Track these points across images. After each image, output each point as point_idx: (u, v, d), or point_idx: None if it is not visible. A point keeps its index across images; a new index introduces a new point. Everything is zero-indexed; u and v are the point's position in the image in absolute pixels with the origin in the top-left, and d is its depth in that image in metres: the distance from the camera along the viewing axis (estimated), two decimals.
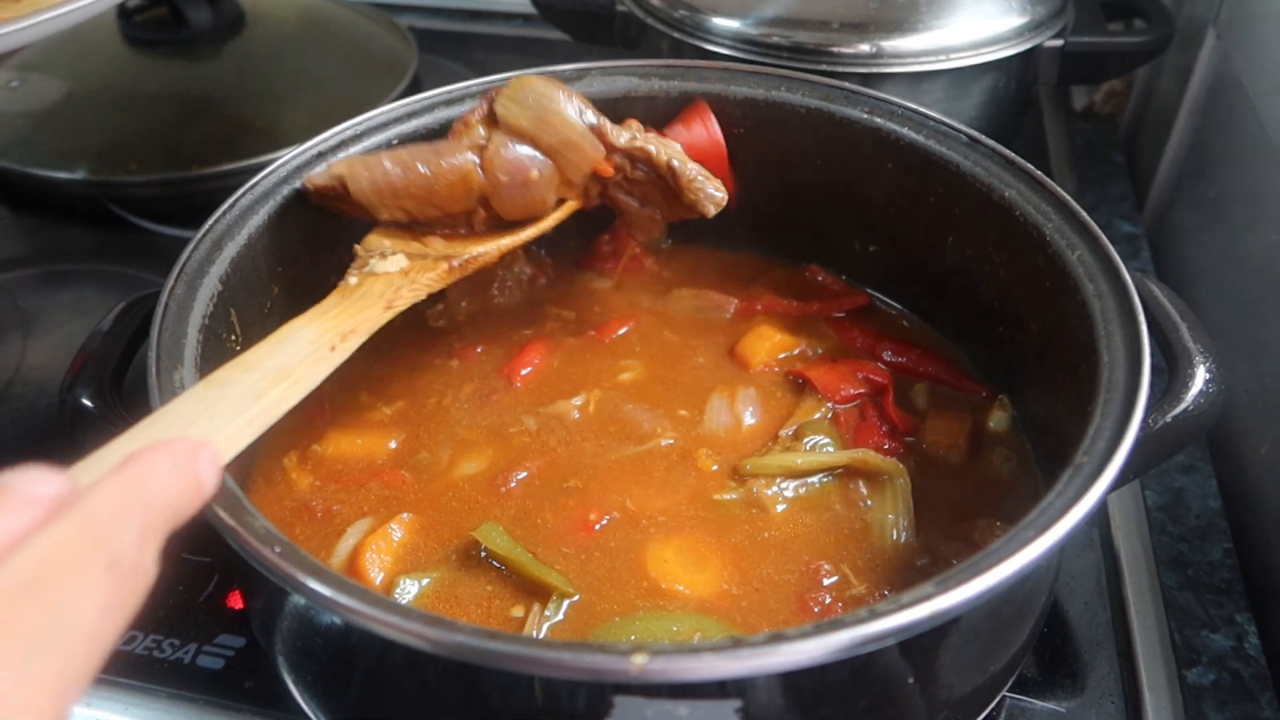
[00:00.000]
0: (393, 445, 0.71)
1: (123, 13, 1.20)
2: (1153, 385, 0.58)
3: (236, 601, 0.70)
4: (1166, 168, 1.11)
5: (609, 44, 1.10)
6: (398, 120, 0.77)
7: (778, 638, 0.41)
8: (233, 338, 0.65)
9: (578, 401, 0.74)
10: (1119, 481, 0.59)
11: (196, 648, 0.67)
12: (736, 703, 0.45)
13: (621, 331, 0.81)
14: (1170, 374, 0.60)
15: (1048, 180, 0.68)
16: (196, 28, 1.20)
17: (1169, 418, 0.59)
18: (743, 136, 0.81)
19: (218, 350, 0.62)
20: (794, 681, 0.46)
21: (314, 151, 0.72)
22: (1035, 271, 0.67)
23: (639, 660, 0.40)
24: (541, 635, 0.58)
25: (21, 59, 1.22)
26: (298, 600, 0.52)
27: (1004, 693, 0.64)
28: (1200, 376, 0.60)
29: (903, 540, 0.64)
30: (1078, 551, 0.74)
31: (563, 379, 0.77)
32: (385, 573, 0.63)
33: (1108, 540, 0.75)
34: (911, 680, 0.49)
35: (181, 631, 0.68)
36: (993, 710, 0.64)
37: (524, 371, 0.77)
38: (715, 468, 0.69)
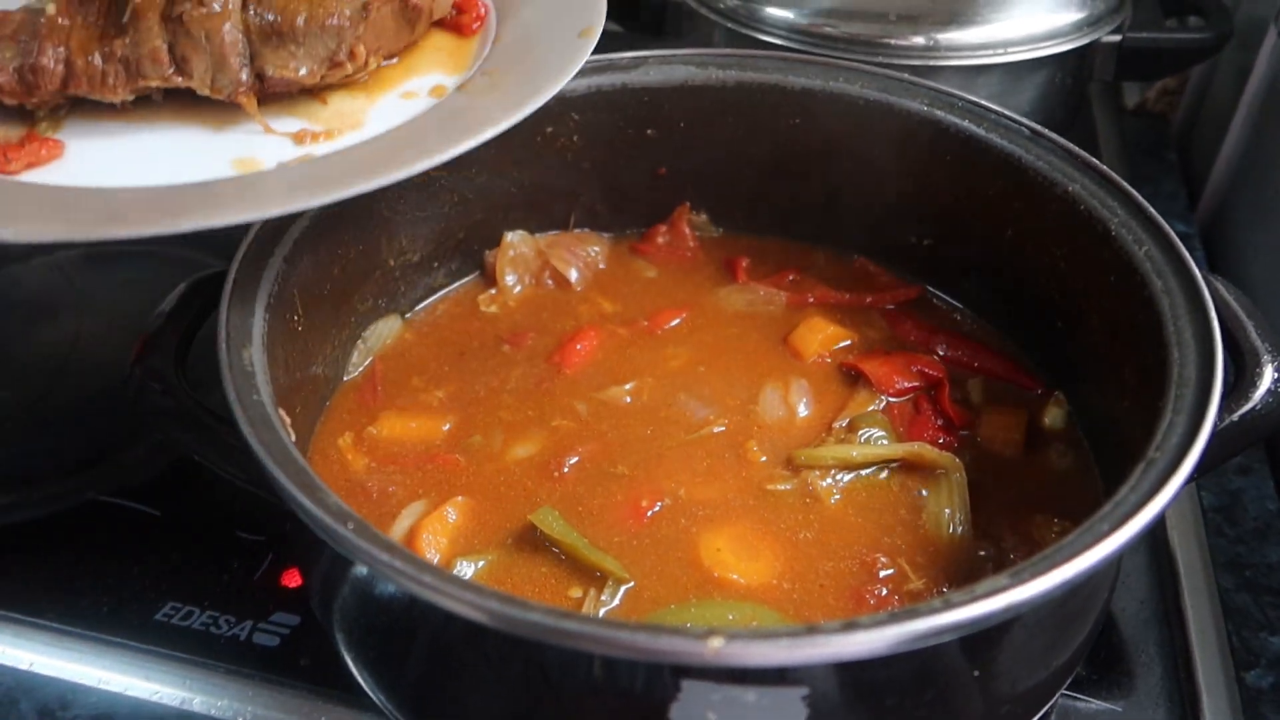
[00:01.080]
0: (446, 428, 0.72)
1: None
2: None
3: (291, 579, 0.70)
4: (1221, 166, 1.09)
5: (659, 34, 1.10)
6: None
7: (852, 625, 0.41)
8: (296, 318, 0.65)
9: (629, 387, 0.74)
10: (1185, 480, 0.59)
11: (252, 625, 0.68)
12: (804, 690, 0.45)
13: (674, 323, 0.80)
14: (1237, 372, 0.60)
15: (1113, 175, 0.67)
16: None
17: (1236, 416, 0.58)
18: (799, 126, 0.80)
19: (283, 331, 0.63)
20: (861, 671, 0.46)
21: None
22: (1099, 267, 0.66)
23: (715, 644, 0.40)
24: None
25: None
26: (359, 575, 0.53)
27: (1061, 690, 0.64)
28: (1269, 375, 0.59)
29: (959, 534, 0.64)
30: (1133, 551, 0.73)
31: (614, 366, 0.77)
32: (441, 554, 0.63)
33: (1163, 540, 0.74)
34: (976, 674, 0.49)
35: (237, 608, 0.69)
36: (1048, 708, 0.64)
37: (575, 359, 0.77)
38: (765, 459, 0.69)
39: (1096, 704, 0.64)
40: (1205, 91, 1.19)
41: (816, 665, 0.44)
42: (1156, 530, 0.75)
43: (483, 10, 0.77)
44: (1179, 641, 0.68)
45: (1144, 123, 1.22)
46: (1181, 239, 1.03)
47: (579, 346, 0.78)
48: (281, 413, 0.55)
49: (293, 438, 0.54)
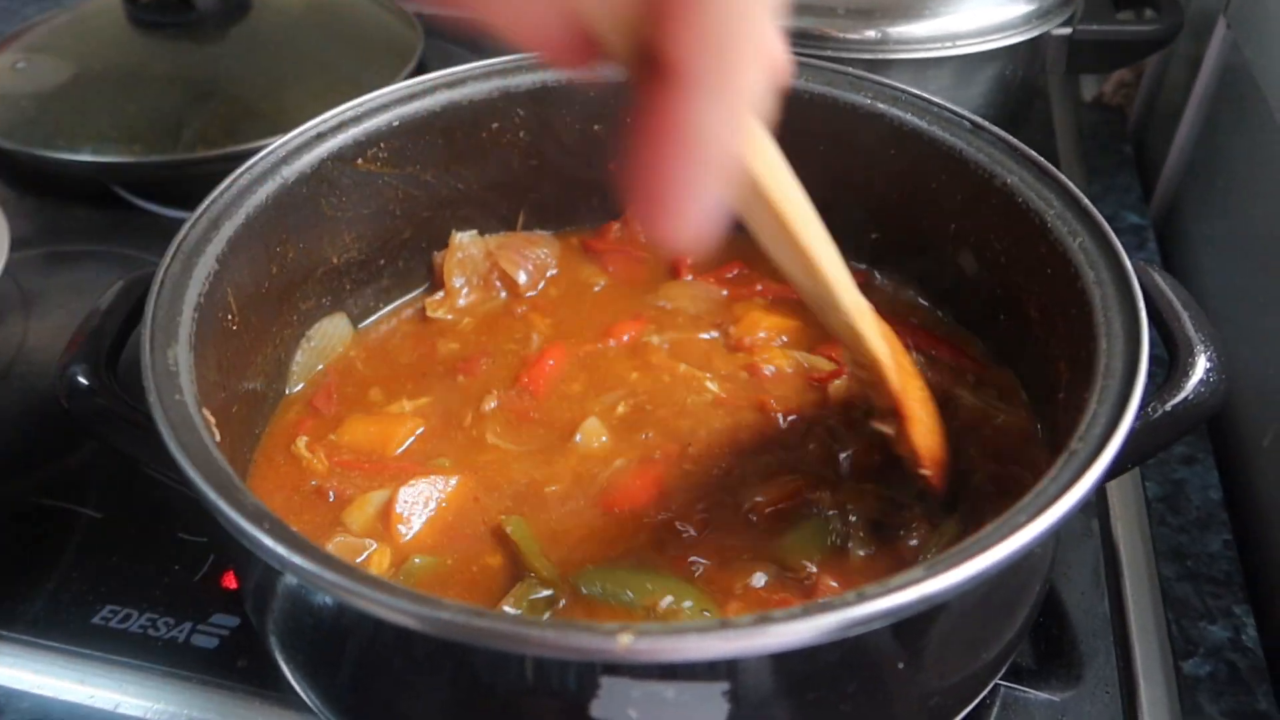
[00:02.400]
0: (419, 431, 0.71)
1: None
2: (1154, 374, 0.58)
3: (231, 581, 0.70)
4: (1174, 158, 1.10)
5: None
6: (399, 101, 0.76)
7: (765, 619, 0.41)
8: (230, 317, 0.64)
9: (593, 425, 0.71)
10: (1116, 470, 0.59)
11: (191, 626, 0.67)
12: (724, 685, 0.45)
13: (625, 338, 0.78)
14: (1171, 362, 0.60)
15: (1050, 167, 0.67)
16: (202, 10, 1.19)
17: (1168, 406, 0.58)
18: None
19: (215, 329, 0.62)
20: (782, 664, 0.46)
21: (313, 133, 0.72)
22: (1037, 259, 0.66)
23: (625, 640, 0.40)
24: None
25: (28, 40, 1.22)
26: (289, 580, 0.52)
27: (998, 681, 0.64)
28: (1201, 365, 0.59)
29: None
30: (1076, 541, 0.73)
31: (585, 386, 0.74)
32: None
33: (1107, 531, 0.75)
34: (901, 665, 0.49)
35: (176, 610, 0.68)
36: (988, 699, 0.64)
37: (540, 384, 0.74)
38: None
39: (1035, 694, 0.64)
40: (1160, 84, 1.20)
41: (729, 660, 0.43)
42: (1101, 520, 0.75)
43: None
44: (1119, 631, 0.68)
45: (1101, 115, 1.23)
46: (1136, 231, 1.05)
47: (548, 362, 0.76)
48: (206, 413, 0.54)
49: (217, 438, 0.53)
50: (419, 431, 0.71)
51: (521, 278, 0.83)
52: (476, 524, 0.64)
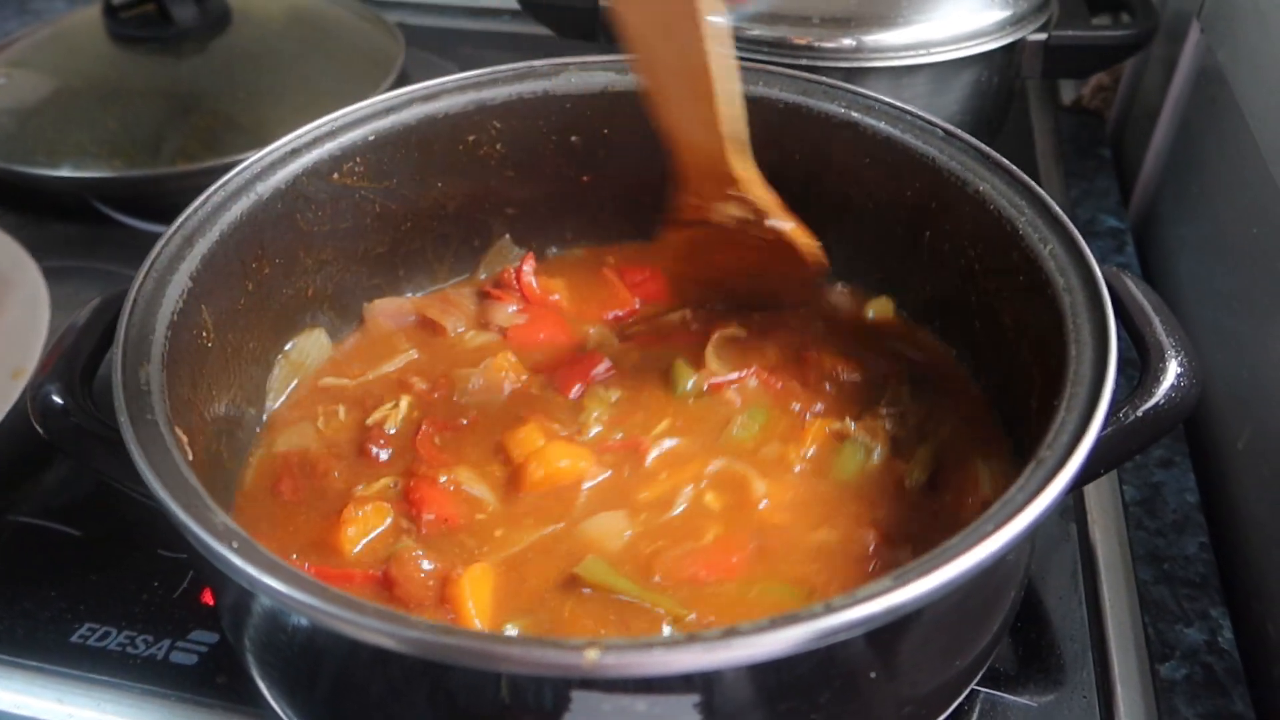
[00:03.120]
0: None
1: (108, 9, 1.19)
2: (1126, 379, 0.58)
3: (210, 597, 0.70)
4: (1151, 162, 1.10)
5: (593, 39, 1.09)
6: (375, 115, 0.77)
7: (732, 632, 0.41)
8: (204, 334, 0.65)
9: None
10: (1089, 474, 0.60)
11: (170, 643, 0.67)
12: (695, 697, 0.45)
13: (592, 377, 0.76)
14: (1142, 368, 0.60)
15: (1021, 174, 0.68)
16: (182, 24, 1.19)
17: (1140, 412, 0.58)
18: None
19: (189, 347, 0.62)
20: (753, 676, 0.46)
21: (289, 148, 0.72)
22: (1009, 267, 0.66)
23: (591, 655, 0.40)
24: None
25: (8, 56, 1.22)
26: (262, 599, 0.52)
27: (975, 687, 0.64)
28: (1172, 370, 0.59)
29: None
30: (1054, 545, 0.74)
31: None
32: None
33: (1085, 535, 0.75)
34: (874, 675, 0.49)
35: (155, 628, 0.68)
36: (965, 705, 0.64)
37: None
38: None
39: (1014, 699, 0.65)
40: (1137, 88, 1.21)
41: (697, 674, 0.44)
42: (1078, 524, 0.76)
43: None
44: (1096, 635, 0.68)
45: (1080, 120, 1.24)
46: (1114, 235, 1.06)
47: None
48: (179, 432, 0.54)
49: (189, 457, 0.53)
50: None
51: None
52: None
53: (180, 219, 0.65)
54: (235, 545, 0.45)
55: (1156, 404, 0.59)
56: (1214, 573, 0.72)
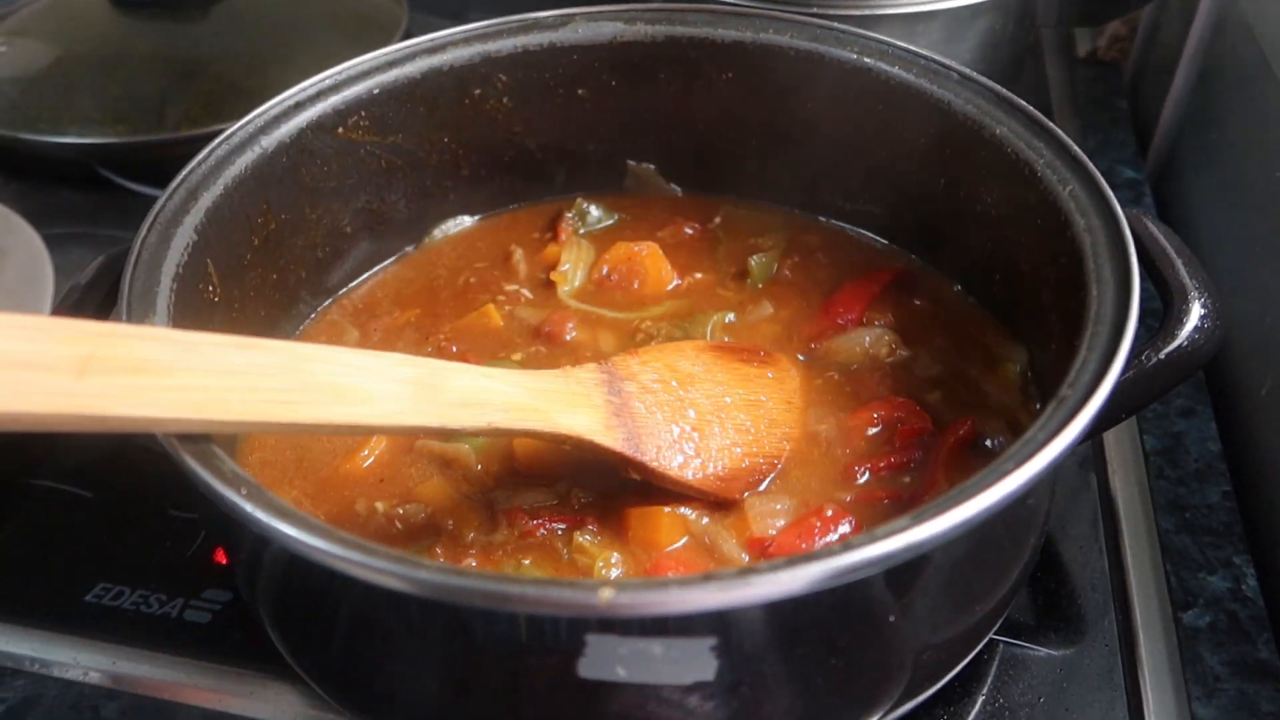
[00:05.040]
0: None
1: None
2: (1149, 323, 0.57)
3: (223, 556, 0.69)
4: (1170, 111, 1.08)
5: None
6: (379, 69, 0.76)
7: (749, 571, 0.40)
8: (210, 289, 0.64)
9: None
10: (1111, 419, 0.59)
11: (184, 602, 0.67)
12: (712, 640, 0.45)
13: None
14: (1165, 310, 0.59)
15: (1039, 116, 0.66)
16: None
17: (1163, 354, 0.57)
18: (732, 80, 0.79)
19: (195, 301, 0.61)
20: (770, 617, 0.45)
21: (291, 102, 0.71)
22: (1027, 210, 0.65)
23: (606, 594, 0.39)
24: None
25: (9, 25, 1.21)
26: (274, 549, 0.52)
27: (997, 637, 0.64)
28: (1195, 312, 0.58)
29: None
30: (1074, 495, 0.73)
31: None
32: None
33: (1105, 485, 0.74)
34: (892, 617, 0.49)
35: (169, 586, 0.68)
36: (986, 654, 0.63)
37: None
38: None
39: (1035, 650, 0.64)
40: (1155, 38, 1.18)
41: (716, 613, 0.43)
42: (1099, 474, 0.75)
43: None
44: (1118, 584, 0.67)
45: (1096, 71, 1.21)
46: (1132, 186, 1.04)
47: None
48: None
49: None
50: None
51: None
52: None
53: (184, 172, 0.64)
54: (244, 492, 0.45)
55: (1179, 346, 0.58)
56: (1237, 520, 0.71)
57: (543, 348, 0.75)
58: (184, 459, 0.46)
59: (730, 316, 0.76)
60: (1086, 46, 1.24)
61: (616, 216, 0.87)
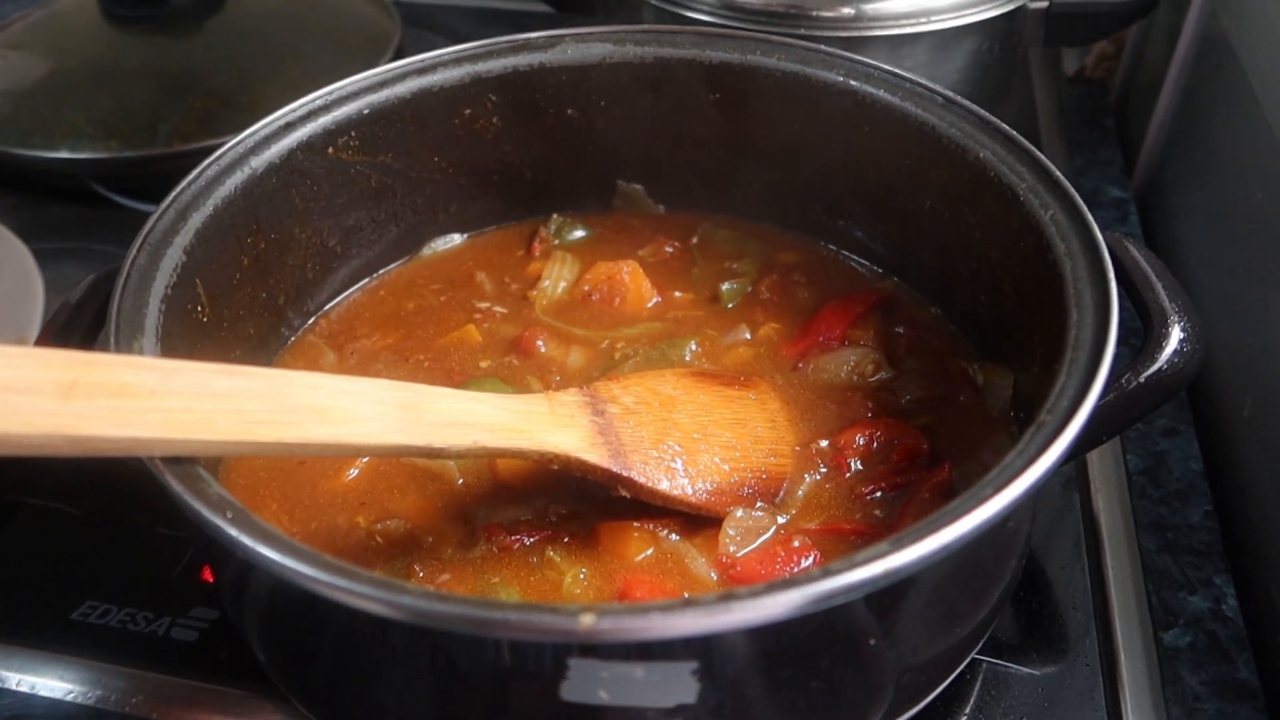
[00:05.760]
0: None
1: None
2: (1129, 349, 0.58)
3: (209, 575, 0.69)
4: (1155, 131, 1.09)
5: (589, 14, 1.09)
6: (369, 89, 0.76)
7: (729, 596, 0.41)
8: (199, 309, 0.64)
9: None
10: (1092, 440, 0.59)
11: (170, 620, 0.67)
12: (693, 664, 0.45)
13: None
14: (1145, 333, 0.59)
15: (1022, 140, 0.67)
16: (177, 3, 1.19)
17: (1143, 378, 0.58)
18: (719, 100, 0.80)
19: (183, 322, 0.62)
20: (751, 642, 0.45)
21: (281, 122, 0.72)
22: (1010, 233, 0.66)
23: (587, 620, 0.40)
24: None
25: (3, 38, 1.21)
26: (257, 570, 0.52)
27: (977, 656, 0.64)
28: (1175, 336, 0.59)
29: None
30: (1057, 515, 0.73)
31: None
32: None
33: (1088, 504, 0.75)
34: (873, 641, 0.49)
35: (155, 604, 0.68)
36: (968, 674, 0.64)
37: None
38: None
39: (1017, 669, 0.64)
40: (1141, 56, 1.19)
41: (698, 638, 0.43)
42: (1081, 493, 0.75)
43: None
44: (1099, 604, 0.68)
45: (1083, 90, 1.22)
46: (1118, 205, 1.05)
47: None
48: None
49: None
50: None
51: None
52: None
53: (174, 193, 0.65)
54: (229, 515, 0.45)
55: (1159, 369, 0.58)
56: (1218, 540, 0.72)
57: (514, 359, 0.76)
58: (169, 482, 0.47)
59: (704, 340, 0.76)
60: (1074, 65, 1.26)
61: (594, 232, 0.87)
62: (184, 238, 0.63)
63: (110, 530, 0.73)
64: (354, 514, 0.65)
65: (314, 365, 0.76)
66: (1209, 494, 0.75)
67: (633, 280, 0.81)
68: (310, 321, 0.79)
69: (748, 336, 0.76)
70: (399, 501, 0.65)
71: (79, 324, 0.63)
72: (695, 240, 0.86)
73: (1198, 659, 0.65)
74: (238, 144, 0.69)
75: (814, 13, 0.93)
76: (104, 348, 0.59)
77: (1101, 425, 0.57)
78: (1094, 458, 0.77)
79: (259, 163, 0.70)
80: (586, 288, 0.81)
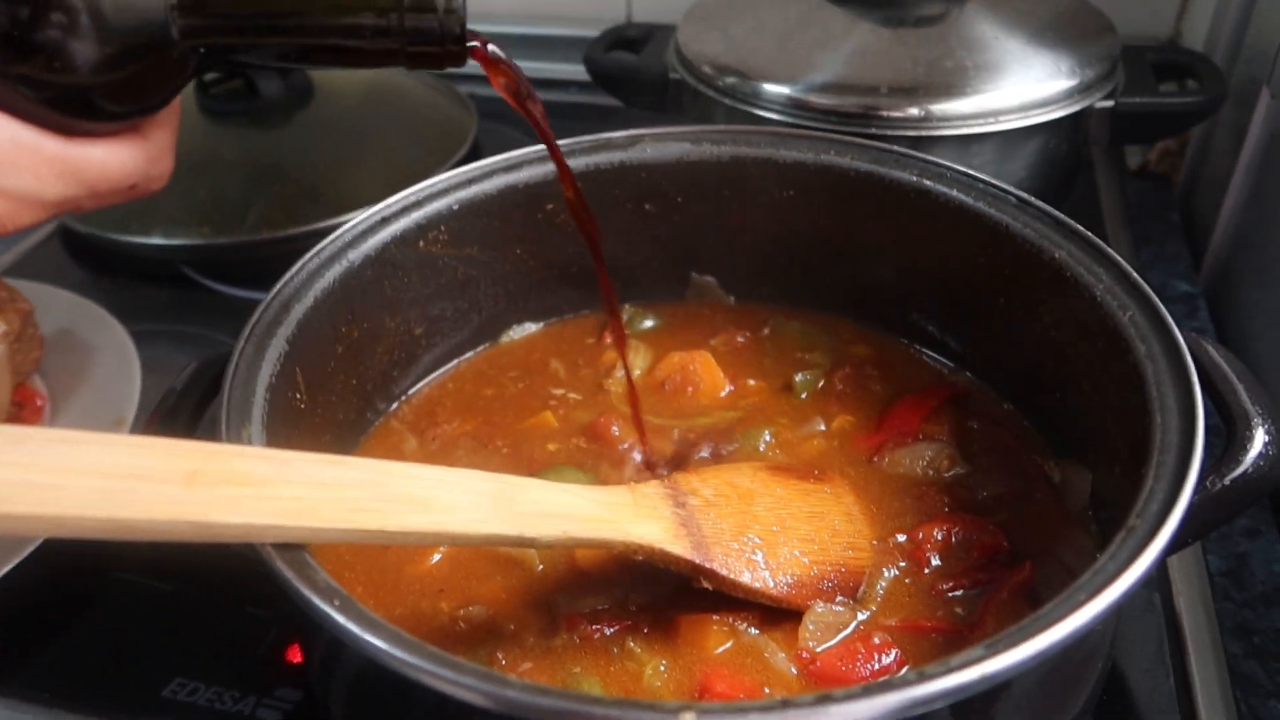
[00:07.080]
0: None
1: (200, 85, 1.26)
2: (1211, 447, 0.58)
3: (295, 655, 0.71)
4: (1223, 226, 1.10)
5: (661, 110, 1.13)
6: (458, 186, 0.80)
7: (825, 699, 0.41)
8: (298, 396, 0.67)
9: None
10: (1175, 545, 0.59)
11: (256, 700, 0.68)
12: None
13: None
14: (1228, 436, 0.60)
15: (1098, 241, 0.68)
16: (268, 99, 1.25)
17: (1227, 480, 0.58)
18: (793, 198, 0.82)
19: (284, 409, 0.64)
20: None
21: (378, 217, 0.75)
22: (1087, 334, 0.67)
23: (687, 718, 0.41)
24: None
25: None
26: (351, 655, 0.53)
27: None
28: (1259, 438, 0.59)
29: None
30: (1138, 615, 0.72)
31: None
32: None
33: (1170, 605, 0.74)
34: None
35: (242, 684, 0.69)
36: None
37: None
38: None
39: None
40: (1206, 151, 1.21)
41: None
42: (1163, 594, 0.74)
43: (39, 404, 0.88)
44: (1186, 709, 0.67)
45: (1147, 185, 1.23)
46: (1186, 300, 1.05)
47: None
48: None
49: None
50: None
51: None
52: None
53: (278, 285, 0.68)
54: (337, 603, 0.47)
55: (1244, 472, 0.58)
56: None
57: (583, 442, 0.78)
58: (279, 568, 0.49)
59: (778, 430, 0.77)
60: (1137, 160, 1.27)
61: (665, 321, 0.90)
62: (287, 328, 0.66)
63: (199, 607, 0.75)
64: (436, 599, 0.66)
65: (397, 450, 0.79)
66: None
67: (705, 369, 0.83)
68: (393, 407, 0.82)
69: (823, 428, 0.77)
70: (480, 588, 0.67)
71: (184, 409, 0.66)
72: (766, 331, 0.87)
73: None
74: (336, 238, 0.73)
75: (884, 113, 0.96)
76: (207, 433, 0.62)
77: (1186, 529, 0.57)
78: (1174, 559, 0.76)
79: (356, 255, 0.73)
80: (660, 376, 0.83)
